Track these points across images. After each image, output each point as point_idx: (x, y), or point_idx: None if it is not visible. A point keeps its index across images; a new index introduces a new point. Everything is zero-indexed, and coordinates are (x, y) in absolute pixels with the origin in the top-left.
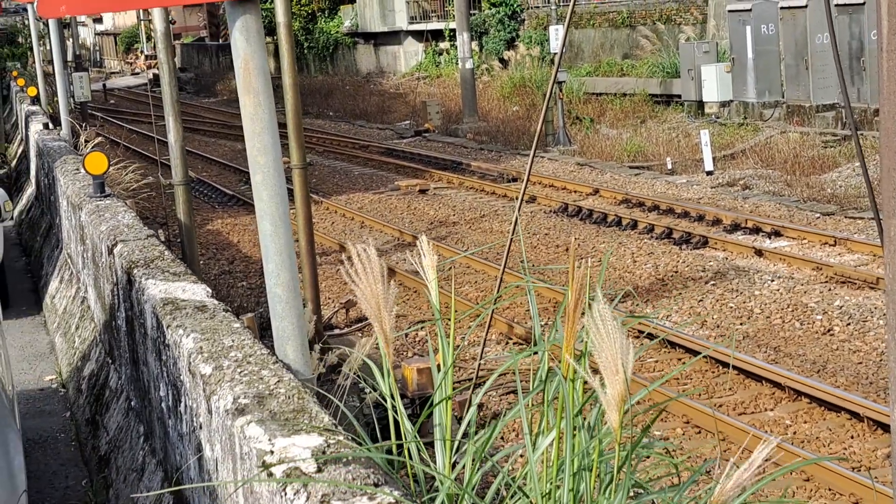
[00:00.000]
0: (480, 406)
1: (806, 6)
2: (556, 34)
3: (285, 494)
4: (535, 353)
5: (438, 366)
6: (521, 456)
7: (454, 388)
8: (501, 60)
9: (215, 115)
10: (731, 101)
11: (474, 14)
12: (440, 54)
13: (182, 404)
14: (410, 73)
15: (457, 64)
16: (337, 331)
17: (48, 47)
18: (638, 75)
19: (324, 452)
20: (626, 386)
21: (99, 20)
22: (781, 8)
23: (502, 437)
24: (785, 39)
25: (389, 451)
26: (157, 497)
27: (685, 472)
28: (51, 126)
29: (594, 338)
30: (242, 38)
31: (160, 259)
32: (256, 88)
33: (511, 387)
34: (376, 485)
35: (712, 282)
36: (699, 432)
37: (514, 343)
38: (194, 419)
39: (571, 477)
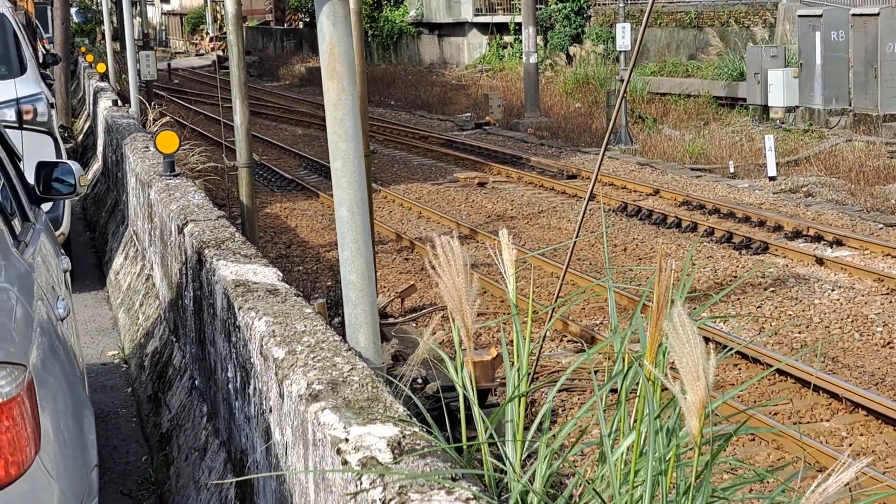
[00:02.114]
0: (534, 402)
1: (878, 14)
2: (623, 31)
3: (360, 484)
4: (597, 351)
5: (499, 356)
6: (584, 454)
7: (505, 383)
8: (566, 56)
9: (278, 99)
10: (797, 106)
11: (540, 8)
12: (504, 47)
13: (251, 387)
14: (473, 65)
15: (520, 58)
16: (391, 319)
17: (115, 25)
18: (703, 77)
19: (399, 443)
20: (707, 392)
21: (167, 0)
22: (853, 15)
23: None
24: (855, 47)
25: (459, 445)
26: (220, 475)
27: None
28: (119, 103)
29: (674, 343)
30: (329, 22)
31: (231, 241)
32: (341, 74)
33: (566, 385)
34: (454, 479)
35: (771, 288)
36: (752, 439)
37: (568, 341)
38: (263, 402)
39: (651, 479)
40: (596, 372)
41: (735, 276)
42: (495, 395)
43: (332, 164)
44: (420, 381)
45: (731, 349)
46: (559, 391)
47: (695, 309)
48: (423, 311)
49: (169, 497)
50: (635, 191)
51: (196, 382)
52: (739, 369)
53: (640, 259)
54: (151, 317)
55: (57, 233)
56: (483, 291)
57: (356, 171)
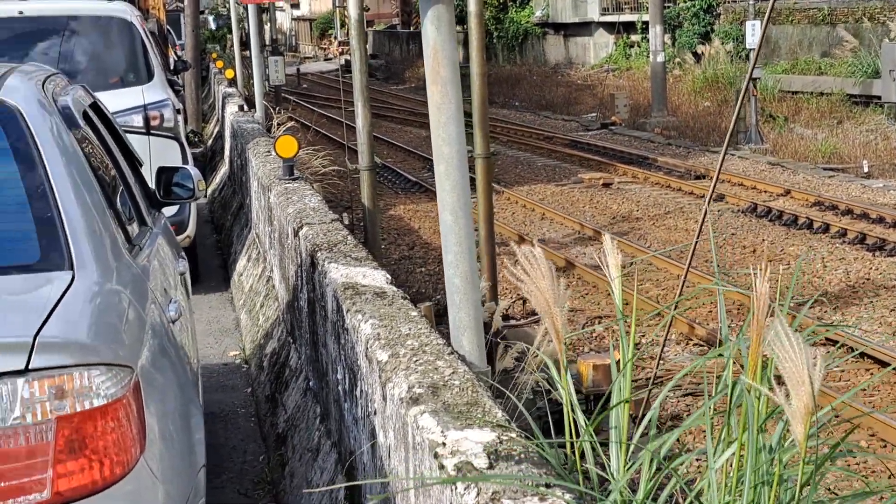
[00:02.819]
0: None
1: None
2: (753, 29)
3: (455, 489)
4: (719, 356)
5: (618, 363)
6: (698, 461)
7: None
8: (694, 55)
9: (403, 101)
10: None
11: (668, 7)
12: (631, 46)
13: (358, 389)
14: (599, 64)
15: (647, 57)
16: (513, 322)
17: (246, 31)
18: (836, 74)
19: (496, 448)
20: (812, 398)
21: (296, 5)
22: None
23: (679, 441)
24: None
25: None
26: (331, 476)
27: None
28: (245, 108)
29: (776, 348)
30: (433, 27)
31: (343, 244)
32: (444, 78)
33: (690, 389)
34: (548, 485)
35: None
36: (884, 446)
37: (694, 344)
38: (369, 404)
39: (752, 490)
40: (718, 377)
41: (868, 279)
42: None
43: (436, 168)
44: (538, 385)
45: (857, 351)
46: (684, 395)
47: (825, 312)
48: None
49: (283, 497)
50: (765, 191)
51: (310, 384)
52: (871, 374)
53: (770, 261)
54: (271, 318)
55: (183, 235)
56: (608, 293)
57: (459, 176)
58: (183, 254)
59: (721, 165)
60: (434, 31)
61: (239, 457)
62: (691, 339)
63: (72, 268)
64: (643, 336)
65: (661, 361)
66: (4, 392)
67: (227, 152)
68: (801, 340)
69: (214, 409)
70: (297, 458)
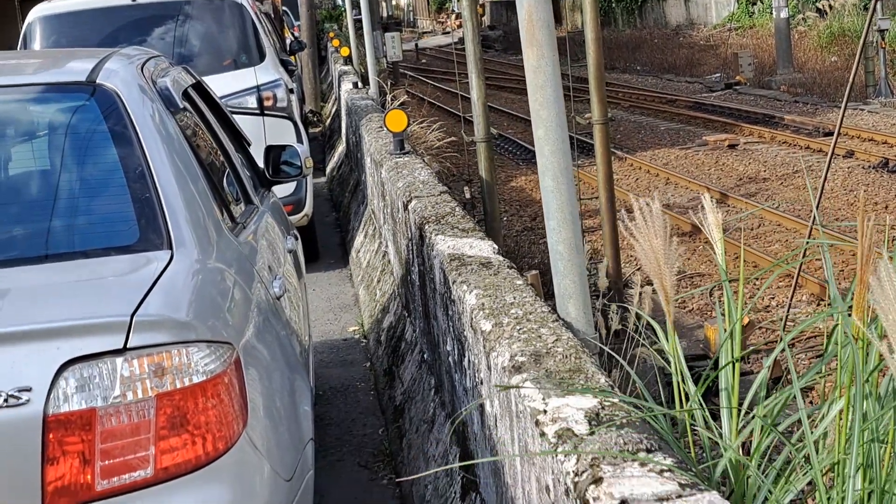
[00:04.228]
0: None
1: None
2: None
3: (556, 455)
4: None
5: (750, 324)
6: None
7: (758, 349)
8: (818, 10)
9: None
10: None
11: None
12: (754, 4)
13: (466, 359)
14: (722, 24)
15: (771, 14)
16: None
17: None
18: None
19: (597, 414)
20: None
21: None
22: None
23: (810, 402)
24: None
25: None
26: (446, 447)
27: None
28: (360, 85)
29: (878, 298)
30: None
31: (451, 215)
32: (540, 41)
33: (820, 350)
34: (649, 450)
35: None
36: None
37: (826, 305)
38: (476, 374)
39: (861, 447)
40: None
41: None
42: (749, 362)
43: (535, 132)
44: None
45: None
46: (817, 357)
47: None
48: None
49: (402, 468)
50: None
51: (425, 356)
52: None
53: None
54: (387, 293)
55: (300, 214)
56: (735, 256)
57: (559, 140)
58: (295, 231)
59: (842, 119)
60: None
61: (359, 430)
62: (823, 300)
63: (171, 247)
64: (773, 298)
65: (791, 323)
66: (104, 371)
67: (343, 130)
68: None
69: (335, 383)
70: (413, 429)
